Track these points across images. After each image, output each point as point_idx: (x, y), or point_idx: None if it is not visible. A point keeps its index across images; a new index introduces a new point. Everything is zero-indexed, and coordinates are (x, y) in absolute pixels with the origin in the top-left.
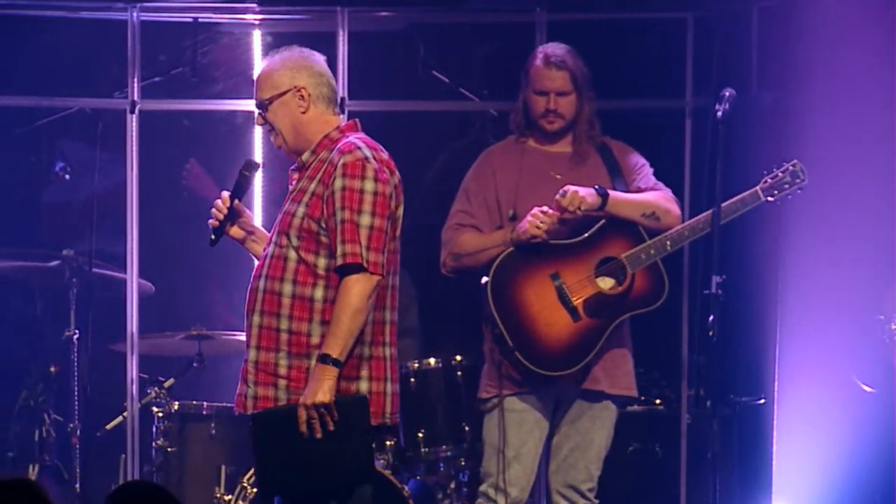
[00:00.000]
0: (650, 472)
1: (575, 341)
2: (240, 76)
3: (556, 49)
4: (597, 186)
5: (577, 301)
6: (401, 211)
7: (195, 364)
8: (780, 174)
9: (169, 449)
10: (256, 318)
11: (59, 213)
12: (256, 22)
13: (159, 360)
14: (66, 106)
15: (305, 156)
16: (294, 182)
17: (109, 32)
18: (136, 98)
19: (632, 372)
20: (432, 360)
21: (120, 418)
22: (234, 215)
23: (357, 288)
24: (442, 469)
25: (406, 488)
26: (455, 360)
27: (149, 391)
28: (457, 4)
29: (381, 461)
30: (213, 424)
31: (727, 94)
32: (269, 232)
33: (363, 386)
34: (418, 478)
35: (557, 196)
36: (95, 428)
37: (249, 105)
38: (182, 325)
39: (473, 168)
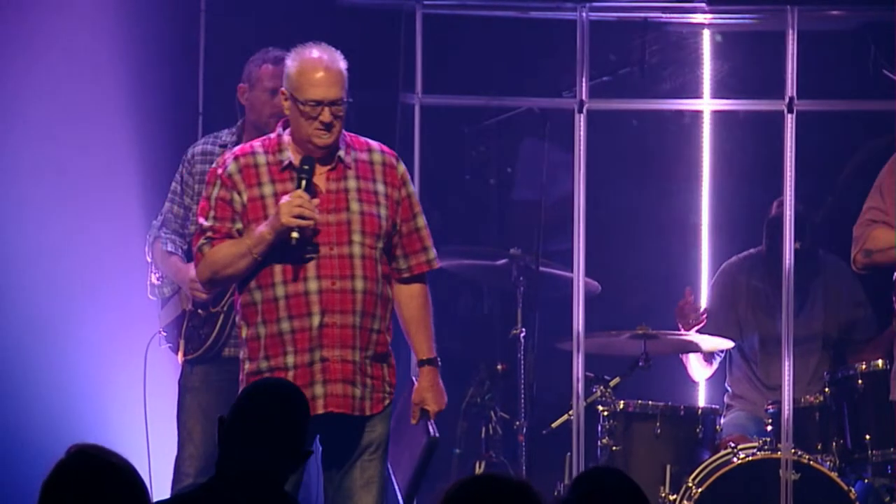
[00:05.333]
0: None
1: None
2: (688, 76)
3: None
4: None
5: None
6: None
7: (640, 363)
8: None
9: (614, 448)
10: (355, 320)
11: (508, 211)
12: (706, 22)
13: (605, 359)
14: (514, 105)
15: (342, 153)
16: (327, 178)
17: (557, 31)
18: (584, 97)
19: None
20: (880, 362)
21: (566, 416)
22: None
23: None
24: (890, 471)
25: (853, 490)
26: None
27: (594, 390)
28: None
29: (827, 463)
30: (658, 423)
31: None
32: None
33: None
34: (865, 480)
35: None
36: (541, 426)
37: (698, 105)
38: (628, 324)
39: (888, 165)
